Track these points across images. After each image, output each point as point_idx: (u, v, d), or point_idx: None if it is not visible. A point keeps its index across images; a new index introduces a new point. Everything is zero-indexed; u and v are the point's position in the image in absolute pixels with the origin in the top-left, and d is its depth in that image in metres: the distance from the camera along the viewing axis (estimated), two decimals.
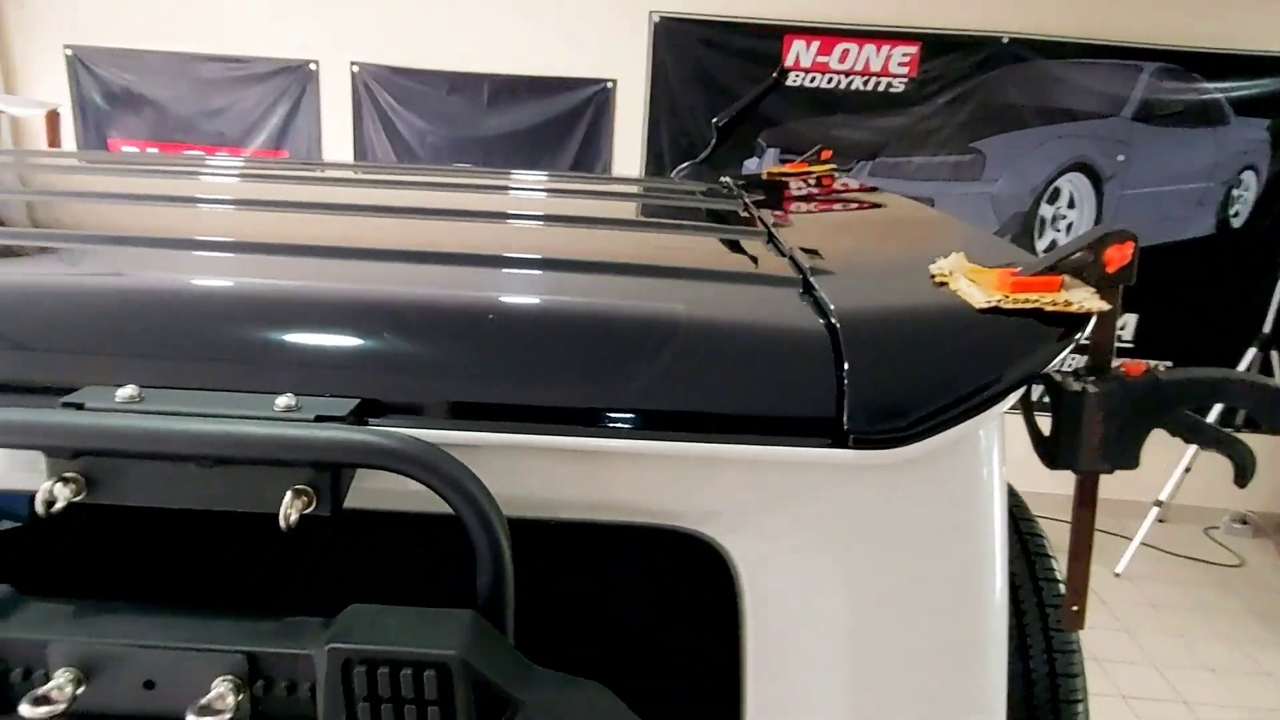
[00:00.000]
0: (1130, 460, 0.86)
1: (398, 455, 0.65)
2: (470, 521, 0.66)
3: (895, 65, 4.60)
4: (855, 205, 1.79)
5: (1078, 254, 0.82)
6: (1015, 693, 1.23)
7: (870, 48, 4.57)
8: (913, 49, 4.57)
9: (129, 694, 0.64)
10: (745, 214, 1.45)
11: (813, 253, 0.98)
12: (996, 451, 0.81)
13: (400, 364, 0.77)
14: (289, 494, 0.65)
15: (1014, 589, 1.30)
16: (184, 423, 0.66)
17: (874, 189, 2.04)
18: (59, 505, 0.65)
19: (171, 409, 0.68)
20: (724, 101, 4.55)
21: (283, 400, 0.70)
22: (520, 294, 0.94)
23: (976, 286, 0.85)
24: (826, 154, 2.14)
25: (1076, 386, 0.84)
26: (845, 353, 0.75)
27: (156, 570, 1.32)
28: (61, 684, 0.62)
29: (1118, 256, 0.80)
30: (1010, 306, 0.80)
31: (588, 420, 0.73)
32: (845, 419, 0.73)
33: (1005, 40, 4.53)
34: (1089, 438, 0.84)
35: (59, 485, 0.65)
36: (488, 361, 0.76)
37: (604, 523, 0.78)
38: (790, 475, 0.76)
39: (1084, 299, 0.80)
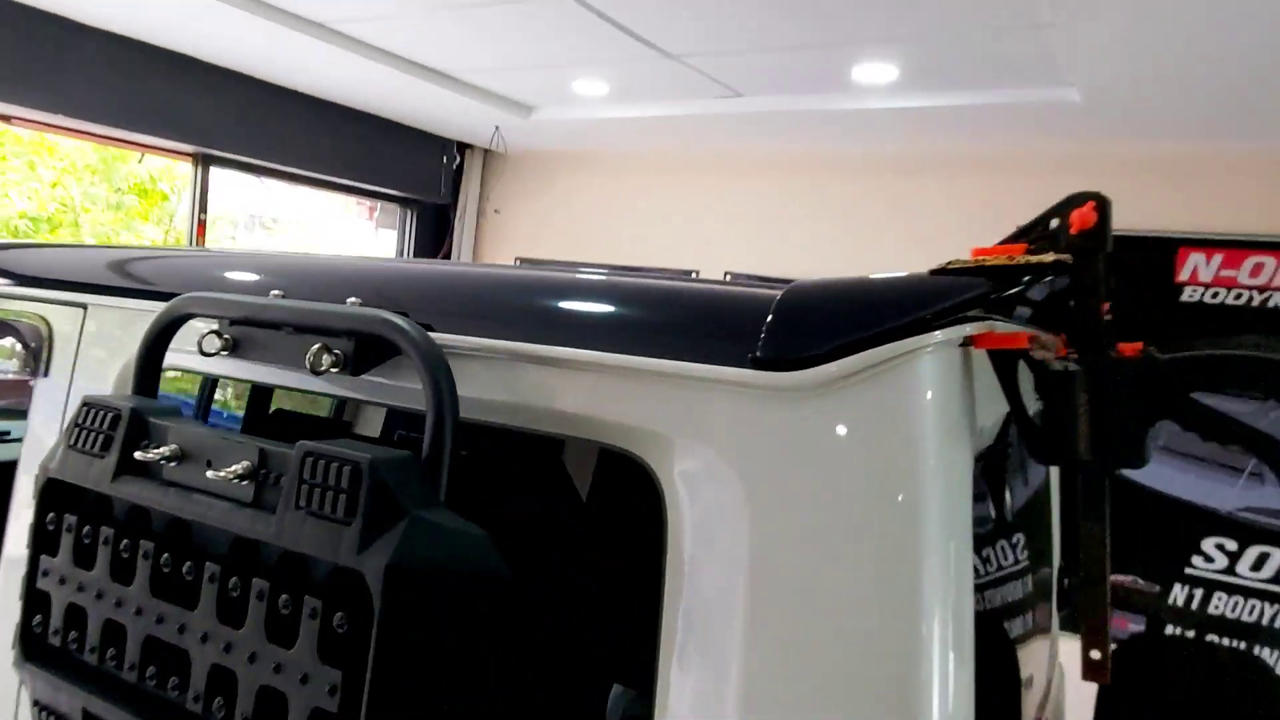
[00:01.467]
0: (1134, 456, 0.76)
1: (384, 324, 0.88)
2: (424, 381, 0.85)
3: None
4: None
5: (1052, 223, 0.80)
6: None
7: None
8: None
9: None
10: None
11: None
12: (937, 394, 0.77)
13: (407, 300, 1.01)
14: (316, 348, 0.91)
15: None
16: (280, 304, 0.97)
17: None
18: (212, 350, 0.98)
19: (284, 303, 1.00)
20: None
21: (350, 301, 0.97)
22: None
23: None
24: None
25: (1060, 366, 0.79)
26: (780, 296, 0.82)
27: None
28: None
29: (1080, 218, 0.76)
30: (958, 267, 0.80)
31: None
32: (760, 343, 0.79)
33: None
34: (1080, 425, 0.78)
35: (212, 337, 0.99)
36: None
37: (547, 434, 0.91)
38: (708, 395, 0.83)
39: (1038, 257, 0.77)
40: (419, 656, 0.77)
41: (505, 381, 0.93)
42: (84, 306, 1.29)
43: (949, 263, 0.79)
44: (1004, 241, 0.81)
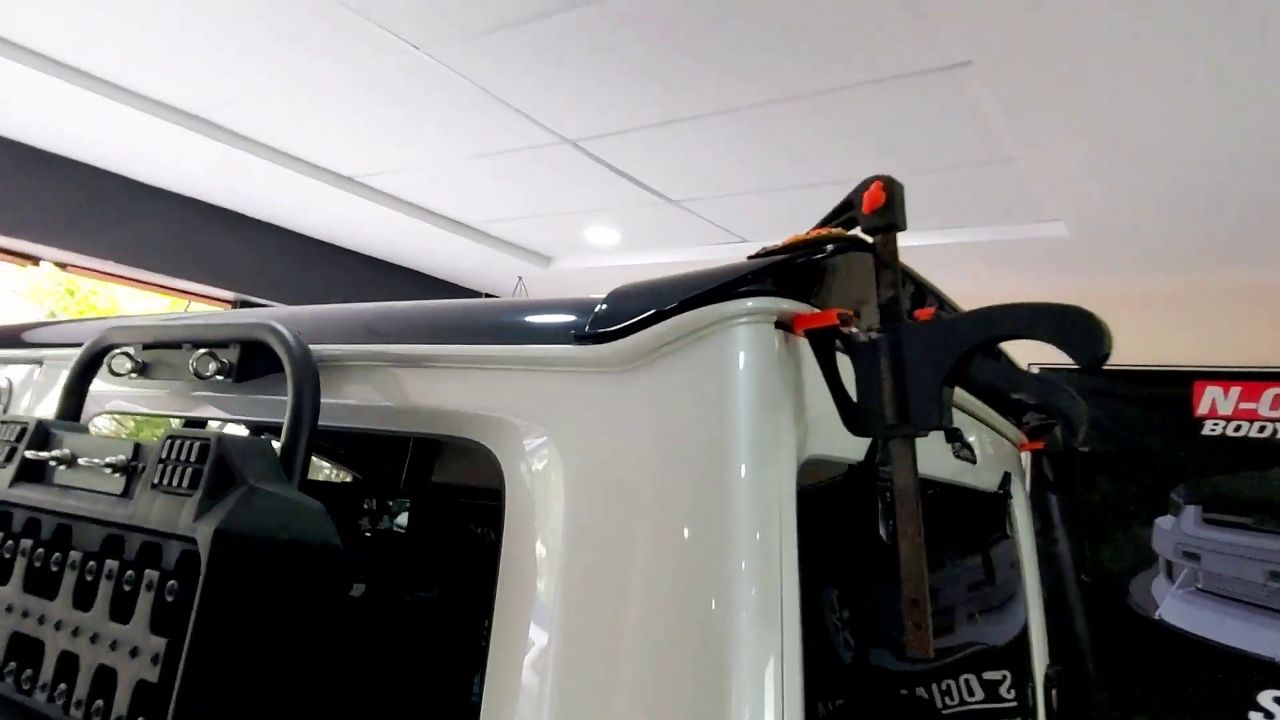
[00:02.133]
0: (933, 418, 0.78)
1: (261, 329, 0.95)
2: (290, 378, 0.91)
3: None
4: None
5: (848, 211, 0.85)
6: None
7: None
8: None
9: None
10: None
11: None
12: (749, 367, 0.80)
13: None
14: (201, 354, 0.98)
15: None
16: (182, 322, 1.05)
17: None
18: (122, 371, 1.06)
19: (186, 319, 1.08)
20: (1128, 449, 4.21)
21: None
22: None
23: None
24: None
25: (865, 337, 0.82)
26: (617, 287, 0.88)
27: None
28: None
29: (870, 198, 0.82)
30: (767, 250, 0.85)
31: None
32: (589, 321, 0.85)
33: None
34: (885, 392, 0.80)
35: (122, 358, 1.07)
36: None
37: (407, 433, 0.95)
38: (542, 376, 0.87)
39: (833, 231, 0.82)
40: (243, 623, 0.78)
41: (371, 386, 0.98)
42: (40, 362, 1.39)
43: (762, 249, 0.84)
44: (812, 229, 0.86)
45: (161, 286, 4.57)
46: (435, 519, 1.52)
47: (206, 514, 0.80)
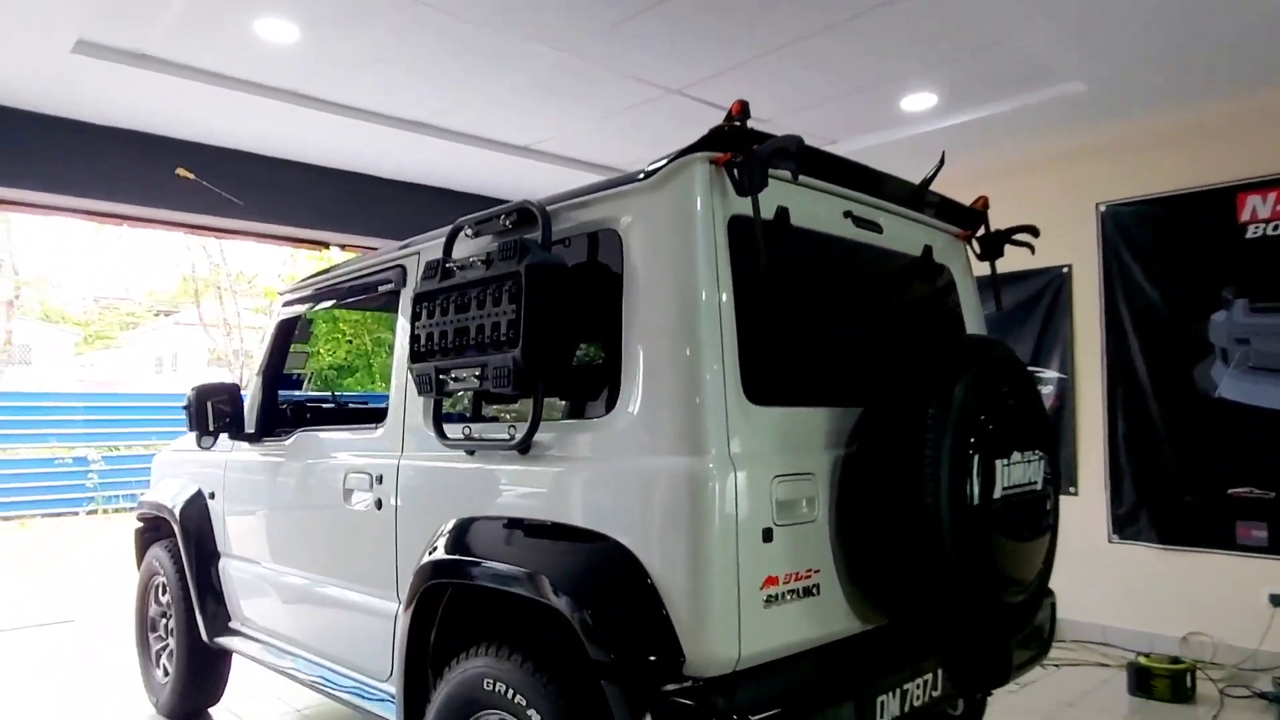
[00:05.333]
0: (756, 187, 2.02)
1: (525, 203, 2.33)
2: (540, 225, 2.28)
3: None
4: None
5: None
6: None
7: None
8: None
9: None
10: None
11: None
12: (700, 175, 2.07)
13: None
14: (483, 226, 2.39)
15: None
16: None
17: None
18: None
19: None
20: (1179, 274, 4.97)
21: None
22: None
23: None
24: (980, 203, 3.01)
25: (737, 161, 2.07)
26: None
27: None
28: None
29: (737, 107, 2.04)
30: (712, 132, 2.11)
31: None
32: (642, 174, 2.15)
33: None
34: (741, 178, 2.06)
35: None
36: None
37: (591, 228, 2.31)
38: (627, 198, 2.19)
39: (723, 129, 2.07)
40: (538, 303, 2.16)
41: (571, 222, 2.34)
42: (419, 253, 2.88)
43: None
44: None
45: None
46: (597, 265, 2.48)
47: (519, 260, 2.17)
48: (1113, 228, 5.31)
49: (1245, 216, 4.81)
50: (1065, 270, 5.48)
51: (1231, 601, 4.69)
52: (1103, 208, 5.35)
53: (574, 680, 2.05)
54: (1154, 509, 5.08)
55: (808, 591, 2.08)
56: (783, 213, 2.22)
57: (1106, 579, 5.19)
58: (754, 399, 2.04)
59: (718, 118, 2.20)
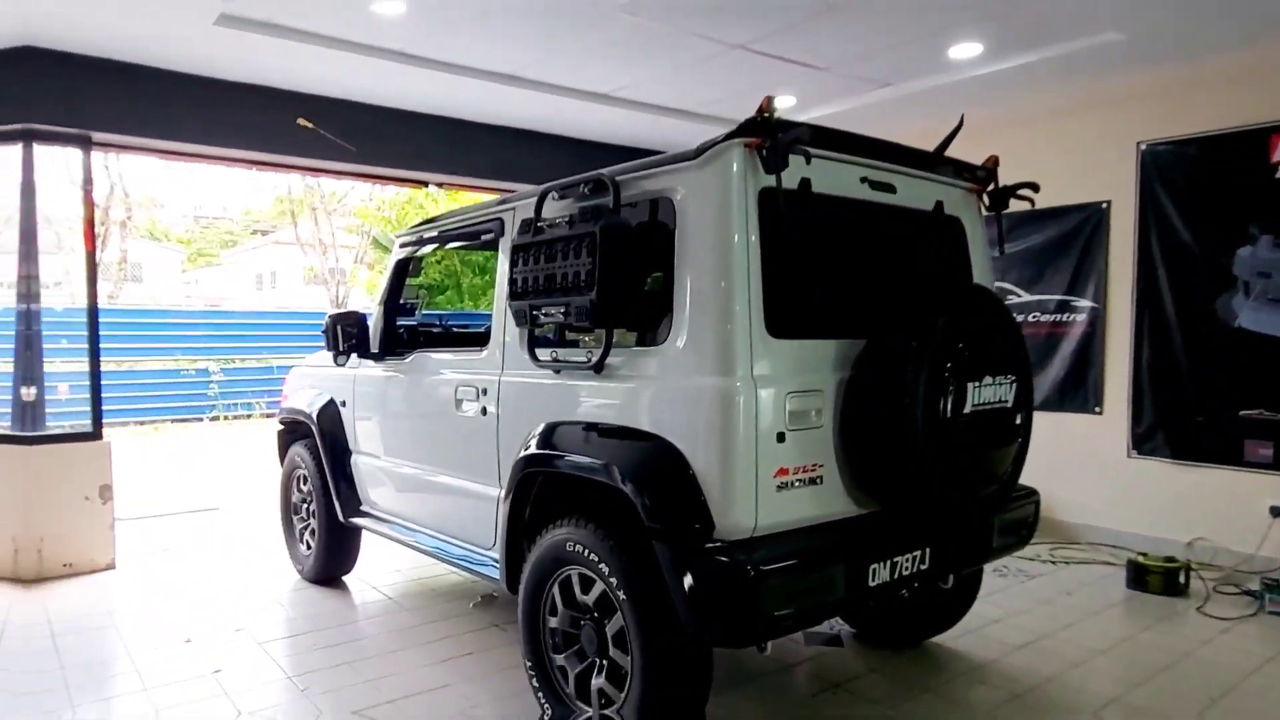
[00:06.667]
0: (781, 166, 2.60)
1: (601, 173, 2.96)
2: (612, 191, 2.91)
3: None
4: None
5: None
6: None
7: None
8: None
9: None
10: None
11: None
12: (738, 156, 2.65)
13: None
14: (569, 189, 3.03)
15: None
16: None
17: None
18: None
19: None
20: (1210, 210, 5.29)
21: None
22: None
23: None
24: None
25: (768, 145, 2.65)
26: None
27: None
28: None
29: (765, 103, 2.60)
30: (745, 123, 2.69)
31: None
32: (694, 154, 2.75)
33: None
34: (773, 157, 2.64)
35: None
36: None
37: (654, 196, 2.93)
38: (680, 173, 2.80)
39: (764, 116, 2.63)
40: (611, 255, 2.80)
41: (639, 190, 2.96)
42: (514, 207, 3.55)
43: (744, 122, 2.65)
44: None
45: (487, 189, 6.93)
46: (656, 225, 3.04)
47: (595, 223, 2.80)
48: (1151, 166, 5.62)
49: (1277, 157, 5.08)
50: (1105, 205, 5.82)
51: (1235, 512, 5.17)
52: (1143, 146, 5.64)
53: (634, 542, 2.75)
54: (1170, 428, 5.54)
55: (813, 480, 2.73)
56: (805, 182, 2.79)
57: (1123, 490, 5.70)
58: (774, 333, 2.66)
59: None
